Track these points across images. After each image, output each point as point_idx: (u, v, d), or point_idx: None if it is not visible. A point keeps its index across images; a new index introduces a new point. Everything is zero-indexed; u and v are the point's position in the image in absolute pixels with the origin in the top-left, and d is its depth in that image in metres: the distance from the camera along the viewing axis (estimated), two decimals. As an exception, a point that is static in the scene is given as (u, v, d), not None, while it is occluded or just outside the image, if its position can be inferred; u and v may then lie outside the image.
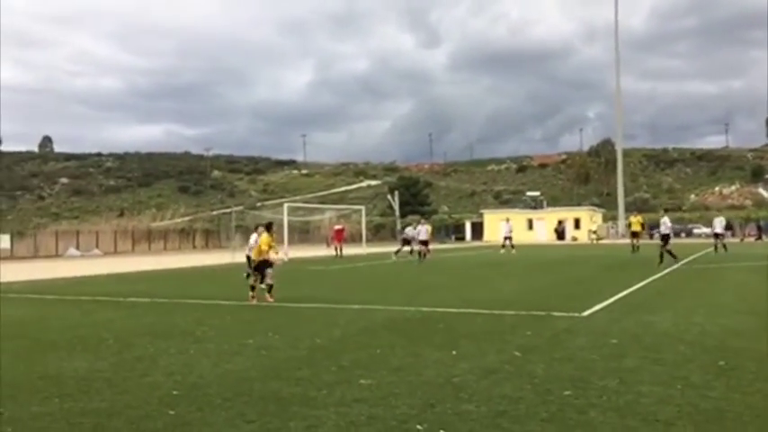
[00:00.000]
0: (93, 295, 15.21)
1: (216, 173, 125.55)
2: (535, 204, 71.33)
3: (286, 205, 33.57)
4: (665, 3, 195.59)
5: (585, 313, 10.12)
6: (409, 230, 31.62)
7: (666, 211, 31.38)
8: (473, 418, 4.81)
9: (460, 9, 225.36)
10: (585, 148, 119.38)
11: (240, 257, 20.34)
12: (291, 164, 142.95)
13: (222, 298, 13.80)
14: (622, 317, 9.71)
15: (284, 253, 28.87)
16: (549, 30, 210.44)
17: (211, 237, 65.43)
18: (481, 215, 73.82)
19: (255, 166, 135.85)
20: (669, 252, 20.87)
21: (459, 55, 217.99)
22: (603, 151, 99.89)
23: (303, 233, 59.71)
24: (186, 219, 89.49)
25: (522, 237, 64.16)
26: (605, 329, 8.58)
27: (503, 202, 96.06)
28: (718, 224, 29.87)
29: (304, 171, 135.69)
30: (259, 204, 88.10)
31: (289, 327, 9.57)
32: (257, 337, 8.60)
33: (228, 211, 55.26)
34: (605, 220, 70.48)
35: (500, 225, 38.30)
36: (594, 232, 56.69)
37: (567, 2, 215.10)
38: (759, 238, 49.93)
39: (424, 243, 28.21)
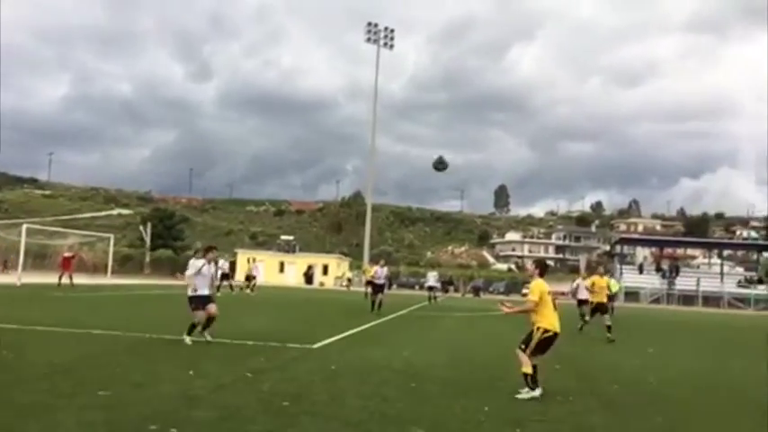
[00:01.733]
0: None
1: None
2: (288, 248, 73.35)
3: (25, 226, 31.02)
4: (423, 74, 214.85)
5: (316, 345, 11.39)
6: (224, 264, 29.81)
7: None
8: (201, 421, 5.64)
9: (234, 47, 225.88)
10: (341, 198, 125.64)
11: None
12: (32, 182, 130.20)
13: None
14: (346, 349, 11.15)
15: (17, 278, 26.66)
16: (317, 81, 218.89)
17: None
18: (235, 254, 73.84)
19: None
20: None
21: (229, 92, 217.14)
22: (355, 204, 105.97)
23: (40, 258, 54.72)
24: None
25: (273, 278, 65.51)
26: (328, 358, 9.89)
27: (258, 243, 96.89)
28: (432, 278, 33.18)
29: (47, 191, 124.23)
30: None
31: (25, 347, 9.47)
32: (-12, 355, 8.48)
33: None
34: (352, 268, 74.68)
35: (247, 265, 39.01)
36: (349, 279, 60.42)
37: (336, 58, 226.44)
38: (476, 295, 56.68)
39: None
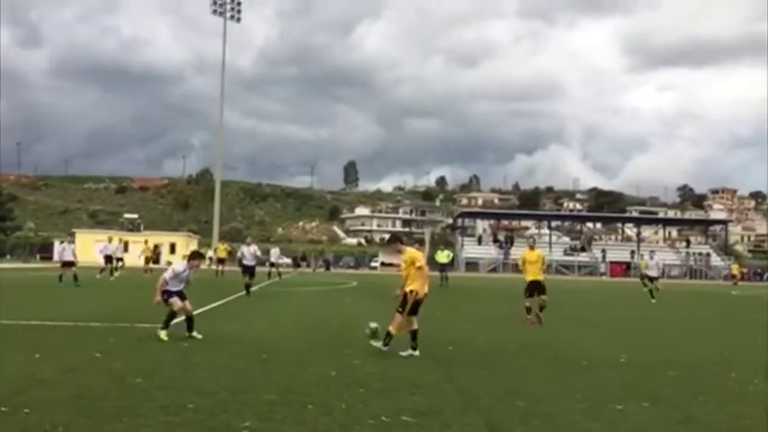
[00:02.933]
0: None
1: None
2: (132, 227, 70.14)
3: None
4: (272, 48, 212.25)
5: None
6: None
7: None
8: (54, 401, 5.72)
9: (66, 13, 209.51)
10: (188, 174, 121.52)
11: None
12: None
13: None
14: (197, 326, 11.29)
15: None
16: (160, 53, 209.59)
17: None
18: (73, 233, 69.48)
19: None
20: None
21: (61, 61, 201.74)
22: (203, 180, 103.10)
23: None
24: None
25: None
26: (182, 335, 10.03)
27: (99, 222, 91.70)
28: (274, 255, 32.94)
29: None
30: None
31: None
32: None
33: None
34: (201, 246, 72.93)
35: (97, 246, 36.93)
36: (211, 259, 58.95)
37: (180, 29, 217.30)
38: (327, 269, 57.73)
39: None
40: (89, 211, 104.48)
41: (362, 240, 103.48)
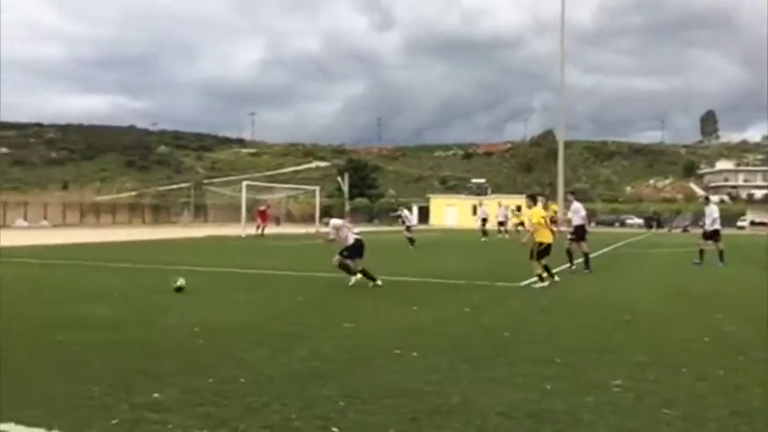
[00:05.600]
0: (74, 260, 16.22)
1: (162, 148, 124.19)
2: (480, 191, 73.77)
3: (244, 183, 34.49)
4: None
5: (522, 283, 11.86)
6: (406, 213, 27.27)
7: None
8: (436, 346, 6.38)
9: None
10: (530, 137, 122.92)
11: (191, 232, 21.30)
12: (239, 142, 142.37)
13: (193, 264, 15.02)
14: (552, 287, 11.48)
15: (242, 230, 29.80)
16: (500, 20, 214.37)
17: (160, 212, 65.46)
18: (428, 200, 75.83)
19: (202, 143, 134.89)
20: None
21: (411, 39, 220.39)
22: (546, 141, 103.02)
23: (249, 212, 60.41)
24: (133, 194, 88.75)
25: (466, 222, 66.55)
26: (537, 296, 10.32)
27: (449, 187, 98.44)
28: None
29: (252, 150, 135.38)
30: (206, 182, 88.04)
31: (271, 288, 10.98)
32: (246, 295, 10.01)
33: (177, 187, 55.70)
34: (545, 208, 73.52)
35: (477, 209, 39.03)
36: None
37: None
38: (685, 230, 53.26)
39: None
40: (439, 177, 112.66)
41: (725, 197, 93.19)
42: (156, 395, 4.62)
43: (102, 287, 10.76)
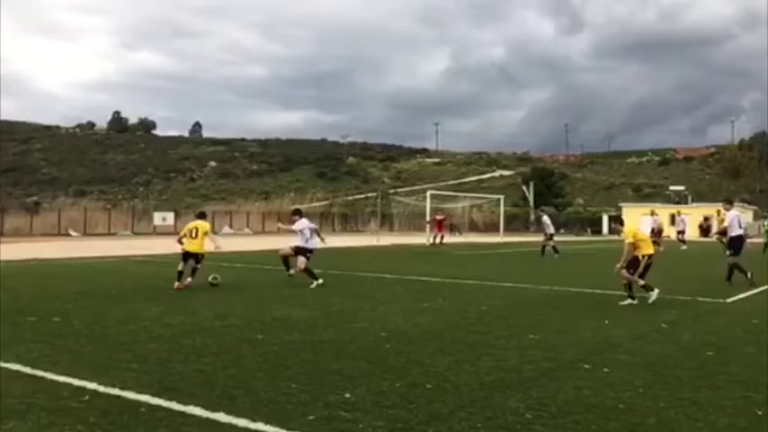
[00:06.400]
0: (274, 265, 17.51)
1: (351, 159, 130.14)
2: (679, 199, 68.71)
3: (429, 192, 35.10)
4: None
5: (729, 300, 10.85)
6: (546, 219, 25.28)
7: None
8: (629, 364, 6.02)
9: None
10: (737, 140, 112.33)
11: (377, 240, 21.85)
12: (423, 152, 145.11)
13: (388, 272, 15.53)
14: (765, 304, 10.36)
15: (426, 239, 30.23)
16: (703, 14, 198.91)
17: (348, 221, 68.56)
18: (619, 208, 72.04)
19: (388, 154, 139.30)
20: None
21: (602, 41, 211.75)
22: (758, 144, 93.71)
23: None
24: (324, 203, 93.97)
25: (664, 232, 62.16)
26: (747, 313, 9.37)
27: (643, 196, 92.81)
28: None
29: (436, 159, 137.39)
30: (392, 191, 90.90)
31: (455, 297, 11.06)
32: (431, 302, 10.16)
33: (364, 196, 58.05)
34: (755, 218, 66.73)
35: (644, 220, 37.27)
36: None
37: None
38: None
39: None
40: (633, 185, 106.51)
41: None
42: (347, 395, 4.84)
43: (297, 291, 11.48)
